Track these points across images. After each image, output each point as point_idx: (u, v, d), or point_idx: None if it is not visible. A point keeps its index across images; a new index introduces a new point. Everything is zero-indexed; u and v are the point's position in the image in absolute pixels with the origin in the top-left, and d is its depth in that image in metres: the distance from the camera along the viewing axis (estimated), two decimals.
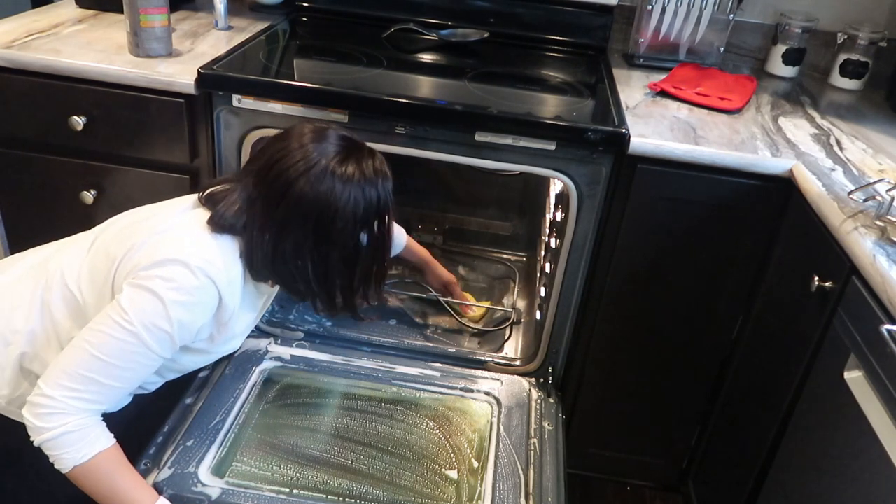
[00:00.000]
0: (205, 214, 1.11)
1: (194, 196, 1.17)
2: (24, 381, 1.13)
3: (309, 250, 1.09)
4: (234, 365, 1.51)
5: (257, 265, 1.11)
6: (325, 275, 1.13)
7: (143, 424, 1.31)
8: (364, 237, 1.14)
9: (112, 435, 1.09)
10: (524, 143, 1.40)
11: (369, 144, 1.44)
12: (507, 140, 1.40)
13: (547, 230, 1.91)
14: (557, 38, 1.87)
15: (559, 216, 1.69)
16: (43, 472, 1.08)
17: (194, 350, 1.17)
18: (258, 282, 1.18)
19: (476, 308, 1.80)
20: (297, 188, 1.04)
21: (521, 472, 1.32)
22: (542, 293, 1.77)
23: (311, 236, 1.08)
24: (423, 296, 1.93)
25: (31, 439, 1.03)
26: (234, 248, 1.10)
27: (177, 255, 1.04)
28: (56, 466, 1.04)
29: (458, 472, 1.33)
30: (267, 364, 1.54)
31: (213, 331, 1.15)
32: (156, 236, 1.07)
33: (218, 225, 1.09)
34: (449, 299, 1.80)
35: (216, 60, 1.49)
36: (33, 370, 1.12)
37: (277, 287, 1.26)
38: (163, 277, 1.02)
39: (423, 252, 1.71)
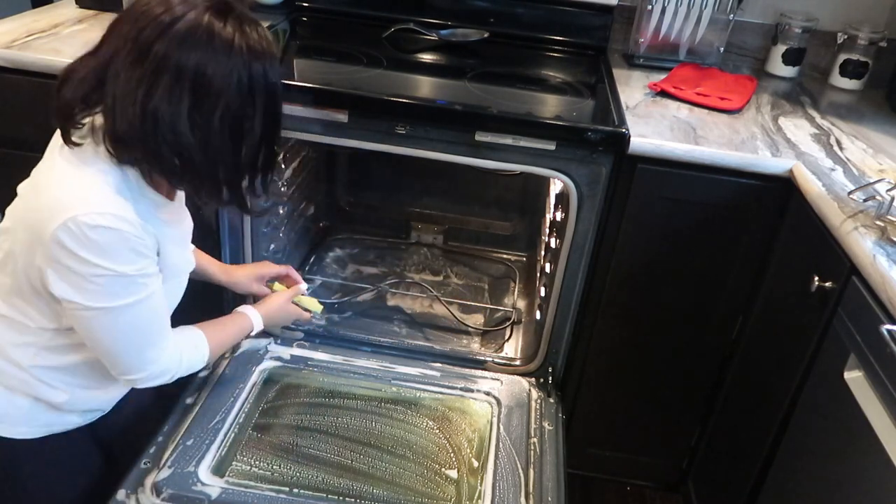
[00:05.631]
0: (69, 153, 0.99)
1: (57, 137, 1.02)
2: None
3: (186, 111, 0.93)
4: (234, 365, 1.51)
5: (124, 139, 0.95)
6: (205, 142, 0.96)
7: (143, 424, 1.31)
8: (251, 114, 0.98)
9: (194, 327, 1.21)
10: (524, 143, 1.40)
11: (372, 146, 1.46)
12: (507, 140, 1.40)
13: (547, 230, 1.91)
14: (557, 38, 1.87)
15: (559, 216, 1.69)
16: (26, 483, 1.10)
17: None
18: (127, 165, 0.99)
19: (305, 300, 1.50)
20: (162, 44, 0.90)
21: (521, 471, 1.32)
22: (542, 293, 1.77)
23: (186, 97, 0.92)
24: (424, 296, 1.93)
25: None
26: (109, 181, 0.97)
27: (73, 225, 0.92)
28: None
29: (458, 472, 1.33)
30: (267, 364, 1.54)
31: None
32: (36, 211, 0.97)
33: (88, 157, 0.96)
34: (448, 299, 1.80)
35: None
36: None
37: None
38: (78, 258, 0.94)
39: (213, 261, 1.45)
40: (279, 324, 1.48)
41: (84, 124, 0.98)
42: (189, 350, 1.17)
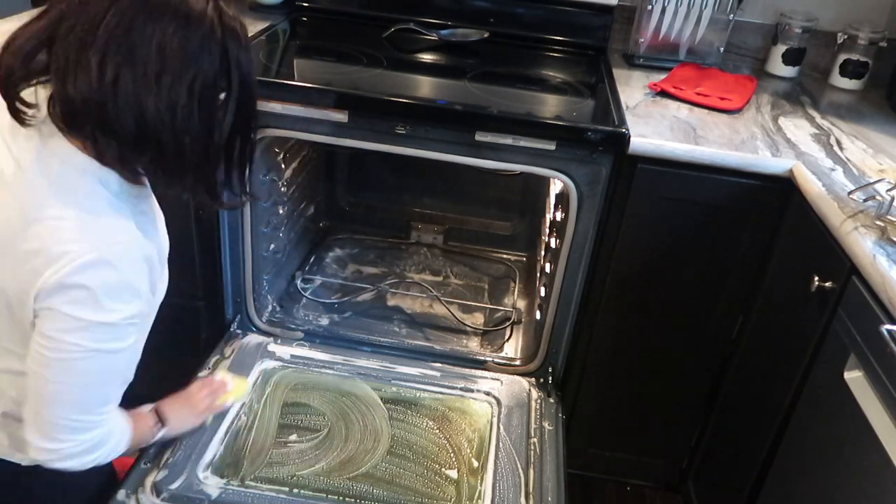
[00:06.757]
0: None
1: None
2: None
3: (154, 76, 0.83)
4: (234, 365, 1.51)
5: (77, 105, 0.83)
6: (171, 114, 0.85)
7: None
8: (224, 92, 0.89)
9: (123, 413, 1.07)
10: (524, 143, 1.40)
11: (372, 146, 1.46)
12: (507, 140, 1.40)
13: (547, 230, 1.91)
14: (557, 38, 1.87)
15: (559, 216, 1.69)
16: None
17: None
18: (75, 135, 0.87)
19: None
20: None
21: (521, 471, 1.32)
22: (542, 293, 1.77)
23: (153, 60, 0.83)
24: (424, 296, 1.93)
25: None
26: (105, 197, 0.89)
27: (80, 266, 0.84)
28: None
29: (458, 472, 1.33)
30: (267, 364, 1.54)
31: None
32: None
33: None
34: (448, 299, 1.80)
35: None
36: None
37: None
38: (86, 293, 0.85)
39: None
40: (190, 423, 1.30)
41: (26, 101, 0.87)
42: (113, 446, 1.02)
